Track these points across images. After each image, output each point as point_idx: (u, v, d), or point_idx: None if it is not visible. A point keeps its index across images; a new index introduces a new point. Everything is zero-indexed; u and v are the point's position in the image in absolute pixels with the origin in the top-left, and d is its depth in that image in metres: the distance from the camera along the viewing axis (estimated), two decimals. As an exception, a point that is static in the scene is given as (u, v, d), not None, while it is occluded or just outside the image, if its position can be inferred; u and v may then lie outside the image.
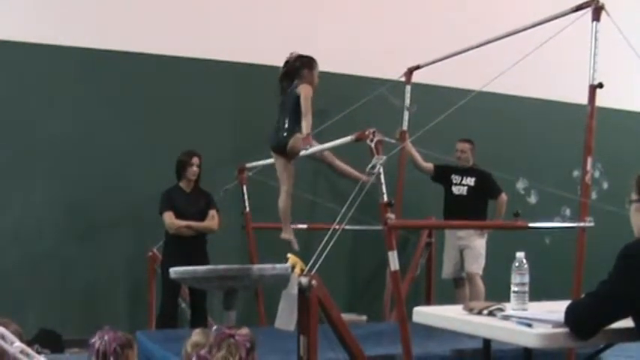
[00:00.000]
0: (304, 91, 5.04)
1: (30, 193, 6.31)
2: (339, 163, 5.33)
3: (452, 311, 3.27)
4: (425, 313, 3.44)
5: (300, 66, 5.22)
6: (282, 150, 5.18)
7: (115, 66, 6.62)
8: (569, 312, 2.67)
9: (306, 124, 4.94)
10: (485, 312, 3.02)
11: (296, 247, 5.37)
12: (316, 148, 5.00)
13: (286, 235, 5.39)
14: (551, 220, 6.86)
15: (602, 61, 4.70)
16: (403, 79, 6.83)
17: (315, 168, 6.63)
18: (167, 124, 6.70)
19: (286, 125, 5.10)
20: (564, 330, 2.66)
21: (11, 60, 6.36)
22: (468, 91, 5.28)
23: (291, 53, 5.28)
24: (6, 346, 2.26)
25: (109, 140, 6.54)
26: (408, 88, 6.85)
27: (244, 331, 2.64)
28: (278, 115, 5.24)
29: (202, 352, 2.54)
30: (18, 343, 2.28)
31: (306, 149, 4.94)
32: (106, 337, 2.60)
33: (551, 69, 7.42)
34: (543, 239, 7.80)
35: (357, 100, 6.26)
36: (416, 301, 6.11)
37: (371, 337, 4.91)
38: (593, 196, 4.70)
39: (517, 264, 3.03)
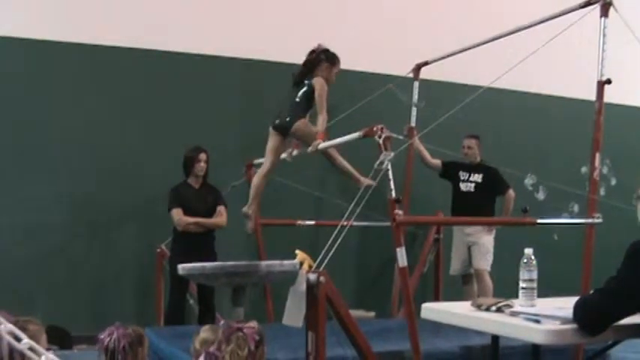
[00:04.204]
0: (319, 86, 5.13)
1: (38, 190, 6.31)
2: (341, 160, 5.34)
3: (460, 307, 3.27)
4: (433, 310, 3.44)
5: (323, 59, 5.33)
6: (282, 130, 5.27)
7: (123, 63, 6.64)
8: (577, 308, 2.67)
9: (322, 121, 5.03)
10: (493, 308, 3.02)
11: (249, 225, 5.51)
12: (326, 144, 5.01)
13: (248, 209, 5.49)
14: (560, 217, 6.82)
15: (610, 57, 4.68)
16: (411, 75, 6.82)
17: (323, 164, 6.64)
18: (175, 120, 6.71)
19: (293, 110, 5.19)
20: (572, 326, 2.66)
21: (16, 57, 6.37)
22: (476, 88, 5.27)
23: (319, 44, 5.38)
24: (14, 343, 2.24)
25: (117, 137, 6.56)
26: (416, 84, 6.84)
27: (252, 324, 2.64)
28: (288, 101, 5.30)
29: (211, 349, 2.54)
30: (26, 340, 2.24)
31: (316, 146, 4.98)
32: (115, 335, 2.60)
33: (559, 65, 7.39)
34: (551, 235, 7.77)
35: (365, 96, 6.25)
36: (424, 298, 6.10)
37: (379, 334, 4.90)
38: (602, 192, 4.67)
39: (525, 260, 3.03)
